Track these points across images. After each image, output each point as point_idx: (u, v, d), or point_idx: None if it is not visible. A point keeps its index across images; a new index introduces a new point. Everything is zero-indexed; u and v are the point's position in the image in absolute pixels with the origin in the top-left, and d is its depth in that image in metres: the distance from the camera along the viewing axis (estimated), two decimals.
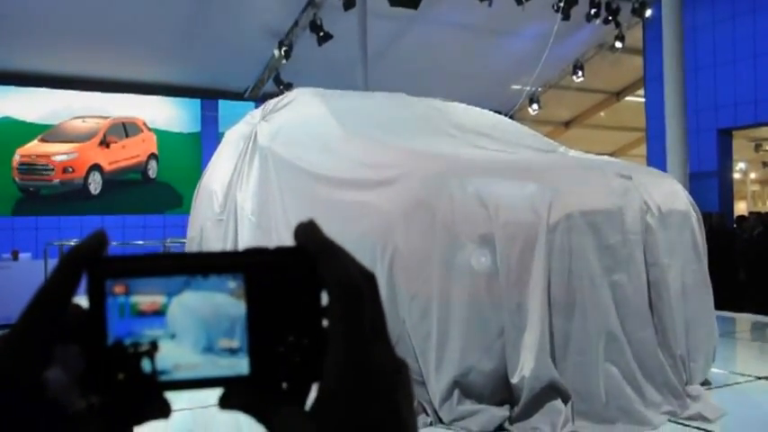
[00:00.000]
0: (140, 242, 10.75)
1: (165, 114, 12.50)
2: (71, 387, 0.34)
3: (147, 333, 0.34)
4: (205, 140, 12.38)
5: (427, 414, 3.09)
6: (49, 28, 10.07)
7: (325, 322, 0.35)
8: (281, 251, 0.36)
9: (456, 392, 3.05)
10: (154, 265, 0.35)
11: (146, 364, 0.34)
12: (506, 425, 3.02)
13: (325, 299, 0.35)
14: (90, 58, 11.13)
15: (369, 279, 0.35)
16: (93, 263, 0.34)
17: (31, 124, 11.36)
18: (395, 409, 0.34)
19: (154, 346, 0.34)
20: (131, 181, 12.16)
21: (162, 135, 12.43)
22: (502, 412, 3.05)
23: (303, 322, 0.35)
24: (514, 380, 3.01)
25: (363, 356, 0.34)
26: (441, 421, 3.04)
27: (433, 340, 3.08)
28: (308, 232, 0.36)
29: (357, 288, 0.34)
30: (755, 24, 10.99)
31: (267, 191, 4.24)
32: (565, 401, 3.02)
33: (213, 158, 5.49)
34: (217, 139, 9.44)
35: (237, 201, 4.58)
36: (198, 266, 0.35)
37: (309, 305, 0.35)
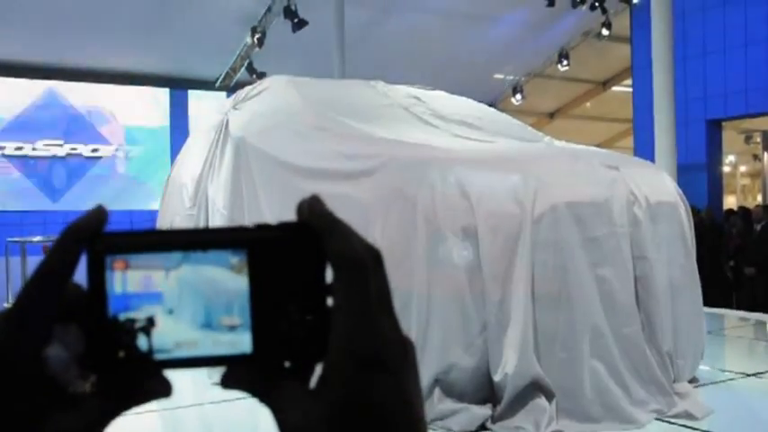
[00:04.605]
0: None
1: (132, 105, 11.98)
2: (71, 365, 0.34)
3: (146, 308, 0.34)
4: (174, 132, 11.98)
5: None
6: None
7: (330, 301, 0.35)
8: (284, 227, 0.36)
9: (437, 390, 3.00)
10: (154, 240, 0.35)
11: (144, 342, 0.34)
12: (488, 424, 2.98)
13: (329, 276, 0.35)
14: (48, 44, 10.48)
15: (373, 254, 0.35)
16: (93, 239, 0.34)
17: None
18: (400, 387, 0.34)
19: (151, 321, 0.34)
20: (98, 175, 11.65)
21: (129, 127, 11.96)
22: (484, 411, 3.00)
23: (307, 299, 0.35)
24: (497, 377, 2.97)
25: (368, 332, 0.33)
26: None
27: (412, 336, 2.96)
28: (311, 207, 0.35)
29: (361, 262, 0.34)
30: (747, 12, 10.81)
31: (240, 183, 4.12)
32: (549, 399, 2.99)
33: (183, 150, 5.34)
34: (186, 130, 9.15)
35: (209, 194, 4.45)
36: (200, 242, 0.35)
37: (313, 282, 0.35)
